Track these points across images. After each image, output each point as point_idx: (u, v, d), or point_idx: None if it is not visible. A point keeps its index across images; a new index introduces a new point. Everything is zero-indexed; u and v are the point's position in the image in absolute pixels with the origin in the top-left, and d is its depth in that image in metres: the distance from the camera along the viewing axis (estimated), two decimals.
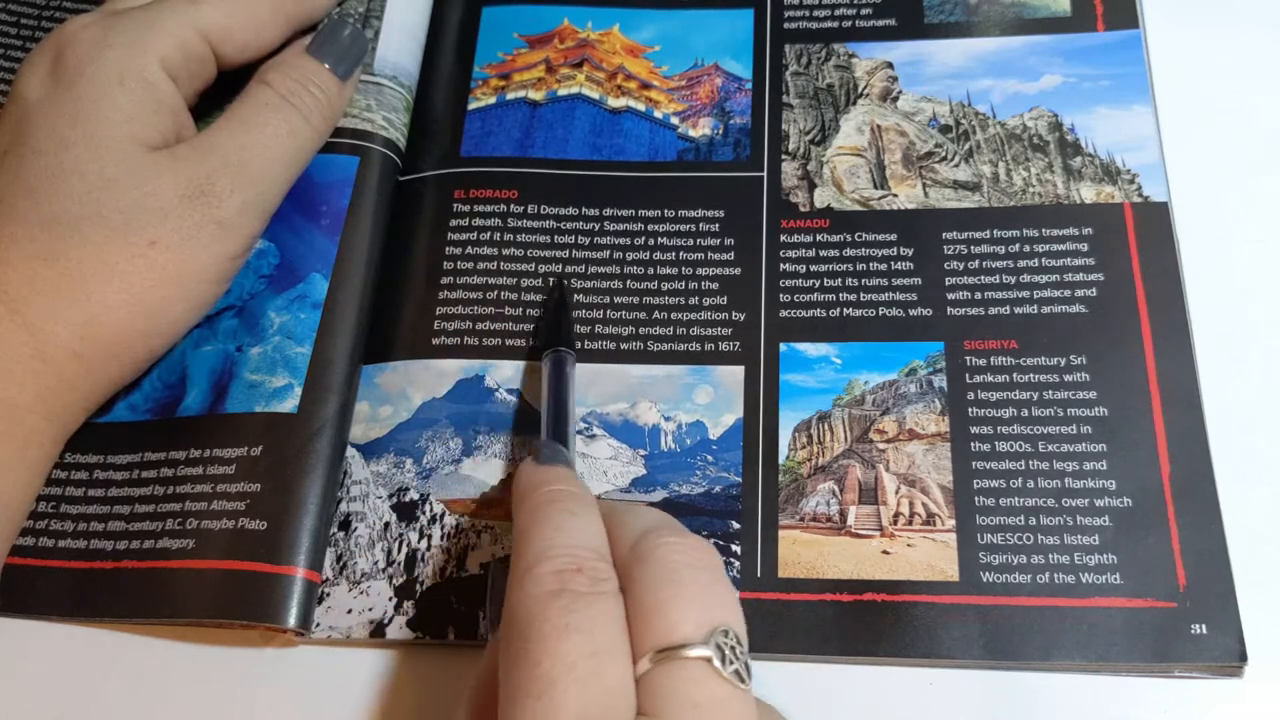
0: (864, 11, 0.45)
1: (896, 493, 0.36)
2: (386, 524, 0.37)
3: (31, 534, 0.37)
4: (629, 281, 0.40)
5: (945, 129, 0.43)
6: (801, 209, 0.41)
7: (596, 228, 0.42)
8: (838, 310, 0.39)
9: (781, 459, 0.37)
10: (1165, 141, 0.41)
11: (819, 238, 0.41)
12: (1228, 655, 0.32)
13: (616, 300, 0.40)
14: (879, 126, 0.43)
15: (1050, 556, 0.34)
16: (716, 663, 0.25)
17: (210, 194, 0.36)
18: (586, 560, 0.27)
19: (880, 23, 0.45)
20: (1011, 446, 0.36)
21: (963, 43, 0.44)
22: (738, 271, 0.40)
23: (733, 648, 0.26)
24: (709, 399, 0.38)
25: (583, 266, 0.41)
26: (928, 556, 0.35)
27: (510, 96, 0.45)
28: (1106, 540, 0.34)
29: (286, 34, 0.41)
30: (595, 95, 0.45)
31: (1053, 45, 0.43)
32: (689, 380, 0.39)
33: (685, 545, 0.28)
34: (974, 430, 0.37)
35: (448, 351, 0.40)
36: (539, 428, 0.38)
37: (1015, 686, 0.33)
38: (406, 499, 0.37)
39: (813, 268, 0.40)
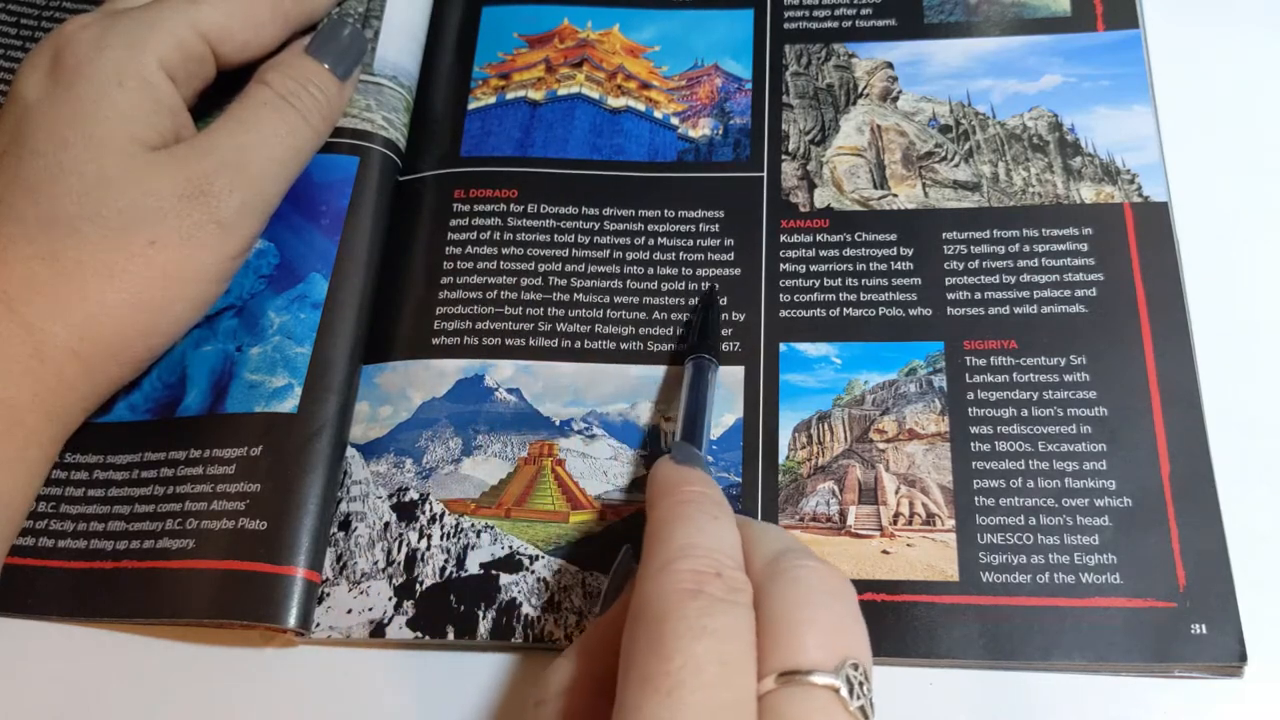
0: (864, 11, 0.45)
1: (896, 493, 0.36)
2: (386, 524, 0.37)
3: (31, 534, 0.37)
4: (629, 282, 0.40)
5: (945, 129, 0.43)
6: (801, 209, 0.41)
7: (596, 227, 0.42)
8: (838, 310, 0.39)
9: (781, 459, 0.37)
10: (1165, 141, 0.41)
11: (819, 238, 0.41)
12: (1228, 655, 0.32)
13: (616, 300, 0.40)
14: (879, 126, 0.43)
15: (1050, 556, 0.34)
16: (844, 693, 0.25)
17: (209, 194, 0.36)
18: (725, 566, 0.27)
19: (880, 23, 0.45)
20: (1011, 446, 0.36)
21: (963, 43, 0.44)
22: (738, 271, 0.40)
23: (860, 683, 0.25)
24: None
25: (583, 266, 0.41)
26: (928, 556, 0.35)
27: (510, 96, 0.45)
28: (1106, 540, 0.34)
29: (286, 34, 0.41)
30: (595, 95, 0.45)
31: (1053, 45, 0.43)
32: None
33: (824, 571, 0.27)
34: (974, 430, 0.37)
35: (447, 351, 0.40)
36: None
37: (1015, 686, 0.33)
38: (406, 499, 0.37)
39: (813, 268, 0.40)
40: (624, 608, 0.27)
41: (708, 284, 0.40)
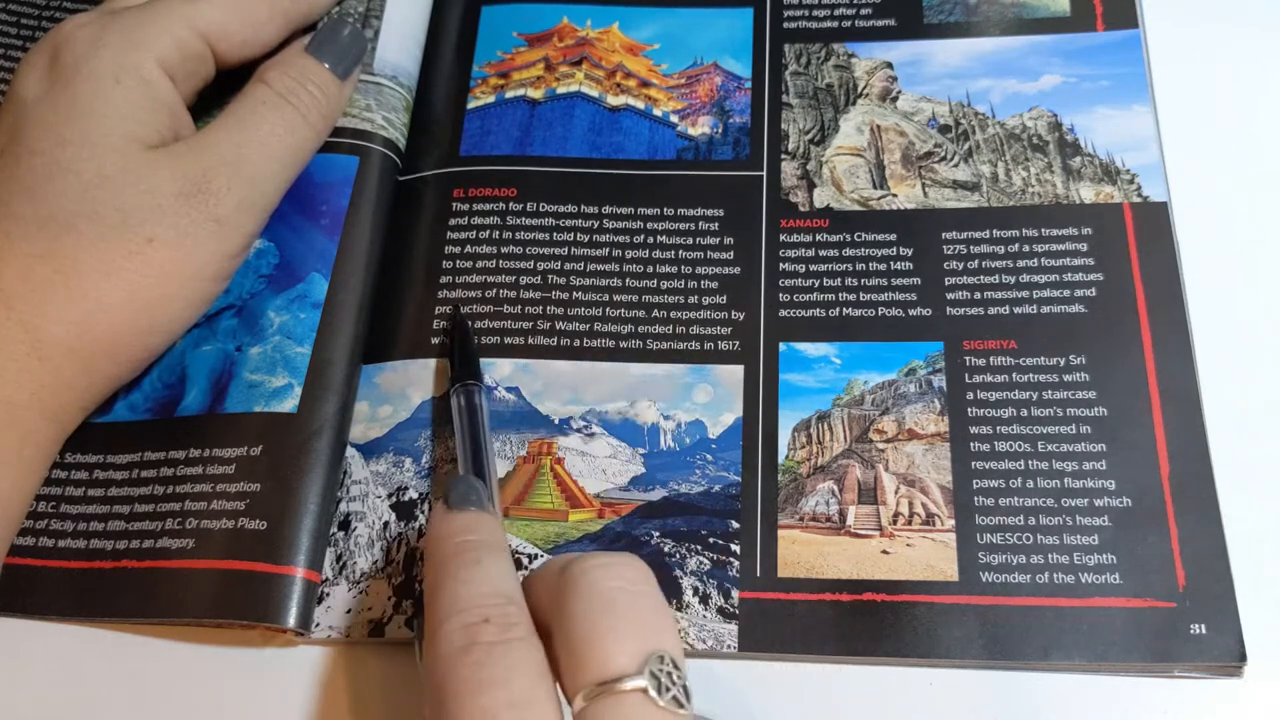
0: (864, 11, 0.45)
1: (896, 492, 0.36)
2: (386, 523, 0.37)
3: (31, 534, 0.37)
4: (628, 280, 0.40)
5: (944, 129, 0.43)
6: (801, 209, 0.41)
7: (596, 226, 0.42)
8: (837, 310, 0.39)
9: (781, 459, 0.37)
10: (1165, 141, 0.41)
11: (818, 237, 0.41)
12: (1227, 655, 0.33)
13: (615, 299, 0.40)
14: (878, 126, 0.43)
15: (1050, 556, 0.34)
16: (653, 692, 0.25)
17: (207, 191, 0.36)
18: (493, 609, 0.27)
19: (880, 23, 0.45)
20: (1011, 446, 0.36)
21: (962, 43, 0.44)
22: (737, 271, 0.40)
23: (669, 673, 0.26)
24: (708, 398, 0.38)
25: (582, 265, 0.41)
26: (927, 556, 0.35)
27: (509, 95, 0.45)
28: (1106, 540, 0.34)
29: (285, 33, 0.41)
30: (594, 93, 0.45)
31: (1052, 45, 0.43)
32: (688, 379, 0.39)
33: (613, 568, 0.27)
34: (973, 430, 0.37)
35: (447, 351, 0.40)
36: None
37: (1015, 686, 0.33)
38: (406, 498, 0.37)
39: (812, 267, 0.40)
40: None
41: (451, 308, 0.40)
